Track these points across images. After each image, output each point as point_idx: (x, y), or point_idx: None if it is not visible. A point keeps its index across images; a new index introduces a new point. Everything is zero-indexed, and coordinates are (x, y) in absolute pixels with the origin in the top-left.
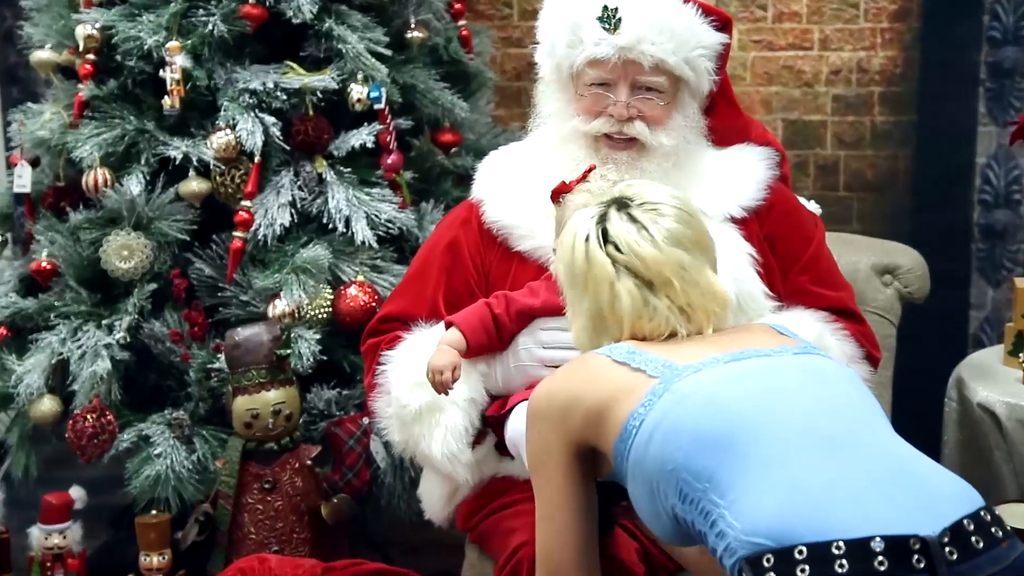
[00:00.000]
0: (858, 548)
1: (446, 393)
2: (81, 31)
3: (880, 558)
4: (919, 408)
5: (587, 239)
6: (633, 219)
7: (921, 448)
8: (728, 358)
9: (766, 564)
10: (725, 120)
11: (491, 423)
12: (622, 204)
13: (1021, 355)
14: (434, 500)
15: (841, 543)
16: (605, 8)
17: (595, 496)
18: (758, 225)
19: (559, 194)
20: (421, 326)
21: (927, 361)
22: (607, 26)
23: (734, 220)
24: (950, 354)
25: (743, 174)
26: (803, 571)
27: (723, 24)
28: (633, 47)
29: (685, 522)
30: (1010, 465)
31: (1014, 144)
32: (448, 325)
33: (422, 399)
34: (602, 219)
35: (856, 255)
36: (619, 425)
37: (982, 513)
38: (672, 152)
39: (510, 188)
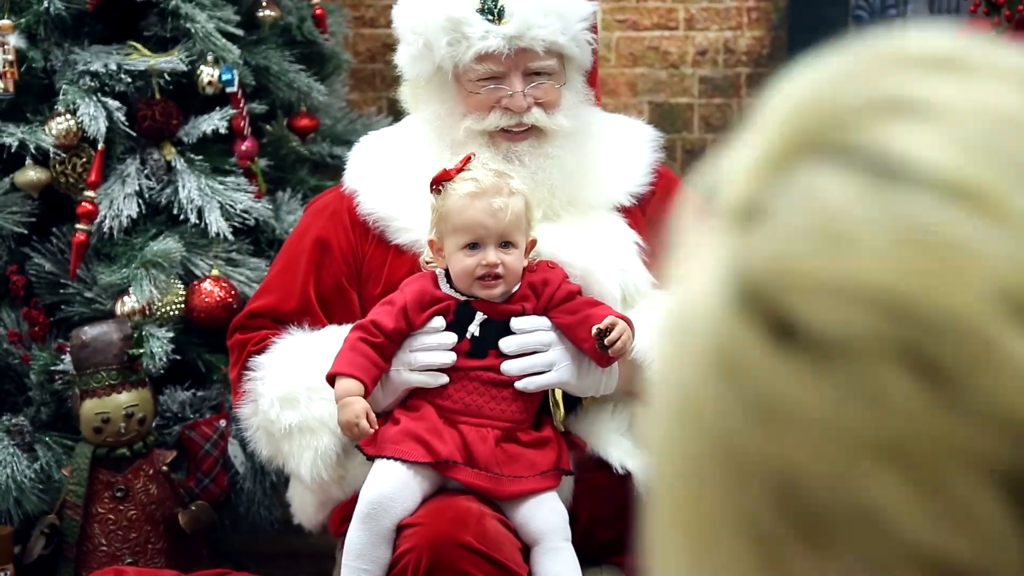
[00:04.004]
0: None
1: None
2: None
3: None
4: None
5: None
6: None
7: None
8: None
9: None
10: None
11: (367, 456)
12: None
13: None
14: (306, 505)
15: None
16: None
17: None
18: (642, 211)
19: (439, 182)
20: (292, 325)
21: None
22: (491, 17)
23: (621, 208)
24: None
25: (630, 158)
26: None
27: None
28: (523, 35)
29: None
30: None
31: None
32: (331, 378)
33: (290, 418)
34: None
35: None
36: None
37: None
38: (572, 132)
39: (387, 178)
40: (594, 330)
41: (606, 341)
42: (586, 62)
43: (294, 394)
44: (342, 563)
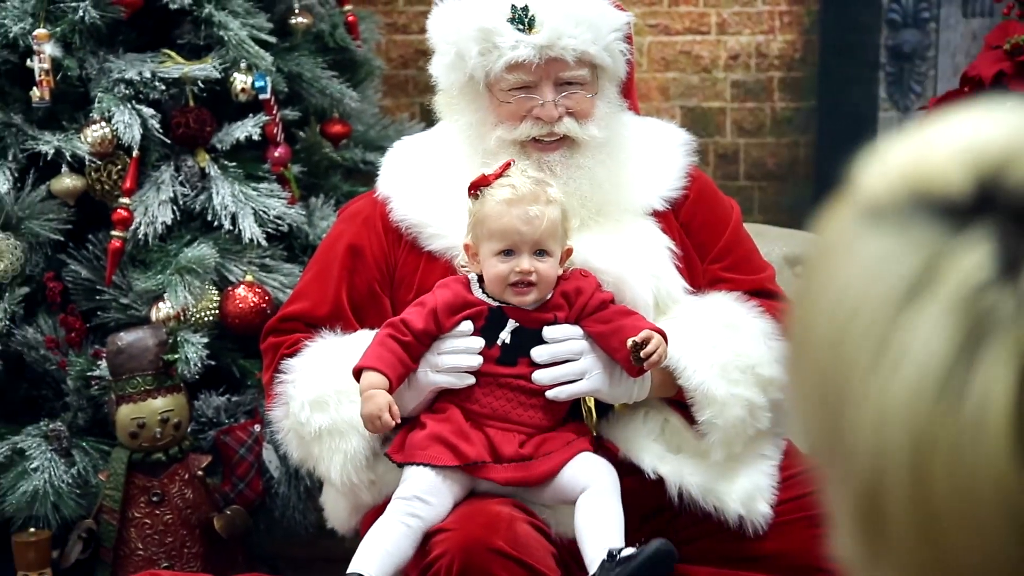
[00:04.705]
0: None
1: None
2: None
3: None
4: None
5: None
6: None
7: None
8: None
9: None
10: None
11: (396, 463)
12: None
13: None
14: (339, 510)
15: None
16: (514, 7)
17: None
18: (675, 215)
19: (478, 187)
20: (324, 330)
21: None
22: (521, 27)
23: (654, 213)
24: None
25: (664, 162)
26: None
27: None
28: (554, 44)
29: None
30: None
31: None
32: (358, 372)
33: (321, 421)
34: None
35: (767, 246)
36: None
37: None
38: (604, 143)
39: (420, 184)
40: (629, 343)
41: (642, 354)
42: (619, 72)
43: (324, 397)
44: (364, 541)
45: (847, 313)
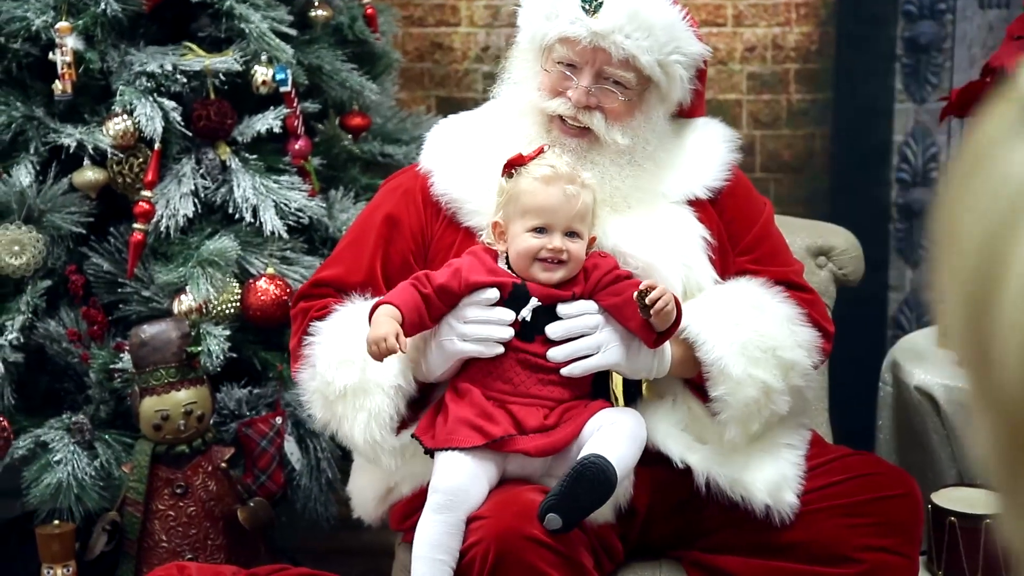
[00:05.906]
0: None
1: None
2: None
3: None
4: (852, 392)
5: None
6: None
7: (857, 433)
8: None
9: None
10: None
11: (425, 450)
12: None
13: None
14: (366, 499)
15: None
16: None
17: None
18: (713, 206)
19: (513, 166)
20: (355, 296)
21: (852, 345)
22: (587, 7)
23: (693, 202)
24: (871, 337)
25: (707, 154)
26: None
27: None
28: (606, 35)
29: None
30: (948, 449)
31: (943, 122)
32: (374, 309)
33: (347, 379)
34: None
35: (790, 236)
36: None
37: None
38: (627, 151)
39: (462, 160)
40: (635, 294)
41: (647, 300)
42: (672, 95)
43: (350, 357)
44: (416, 554)
45: (1002, 212)
